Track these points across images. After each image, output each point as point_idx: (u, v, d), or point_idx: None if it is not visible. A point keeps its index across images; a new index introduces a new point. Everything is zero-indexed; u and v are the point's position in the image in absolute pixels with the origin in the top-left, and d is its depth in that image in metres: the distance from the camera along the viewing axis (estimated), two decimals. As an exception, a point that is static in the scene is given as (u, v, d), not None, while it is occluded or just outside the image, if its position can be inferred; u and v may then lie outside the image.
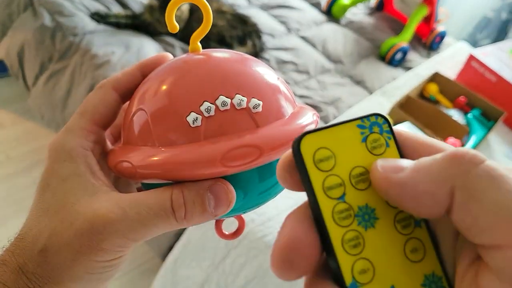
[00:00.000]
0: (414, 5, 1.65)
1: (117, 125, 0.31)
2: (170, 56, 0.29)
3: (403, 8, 1.75)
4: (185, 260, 1.01)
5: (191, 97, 0.24)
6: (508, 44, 1.52)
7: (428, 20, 1.66)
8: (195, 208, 0.23)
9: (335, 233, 0.18)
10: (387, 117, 0.20)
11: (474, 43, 2.24)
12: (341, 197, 0.18)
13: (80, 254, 0.23)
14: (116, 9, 1.45)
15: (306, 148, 0.19)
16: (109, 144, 0.29)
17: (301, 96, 1.35)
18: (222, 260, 0.96)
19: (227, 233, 0.31)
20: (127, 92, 0.29)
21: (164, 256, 1.07)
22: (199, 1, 0.27)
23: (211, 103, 0.24)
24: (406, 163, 0.18)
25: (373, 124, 0.20)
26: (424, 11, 1.61)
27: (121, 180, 0.31)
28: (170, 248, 1.05)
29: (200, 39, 0.28)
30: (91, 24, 1.35)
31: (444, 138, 1.15)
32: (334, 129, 0.19)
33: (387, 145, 0.20)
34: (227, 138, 0.23)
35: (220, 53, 0.28)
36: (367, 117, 0.20)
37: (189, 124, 0.24)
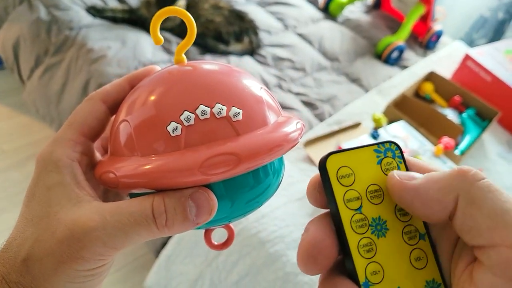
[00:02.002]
0: (411, 4, 1.65)
1: (107, 137, 0.31)
2: (157, 68, 0.30)
3: (400, 6, 1.75)
4: (178, 256, 1.01)
5: (172, 107, 0.25)
6: (503, 44, 1.52)
7: (425, 19, 1.67)
8: (176, 215, 0.24)
9: (352, 239, 0.21)
10: (399, 144, 0.24)
11: (470, 43, 2.25)
12: (358, 209, 0.22)
13: (61, 262, 0.23)
14: (113, 3, 1.45)
15: (331, 166, 0.22)
16: (98, 156, 0.30)
17: (297, 94, 1.35)
18: (215, 257, 0.96)
19: (216, 243, 0.31)
20: (115, 104, 0.29)
21: (157, 252, 1.07)
22: (183, 15, 0.27)
23: (190, 112, 0.24)
24: (417, 174, 0.22)
25: (387, 149, 0.24)
26: (421, 10, 1.61)
27: (111, 191, 0.31)
28: (164, 244, 1.05)
29: (184, 52, 0.28)
30: (87, 18, 1.34)
31: (438, 137, 1.15)
32: (354, 151, 0.23)
33: (398, 168, 0.24)
34: (207, 147, 0.24)
35: (205, 64, 0.28)
36: (382, 143, 0.24)
37: (169, 134, 0.24)
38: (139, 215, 0.23)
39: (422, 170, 0.23)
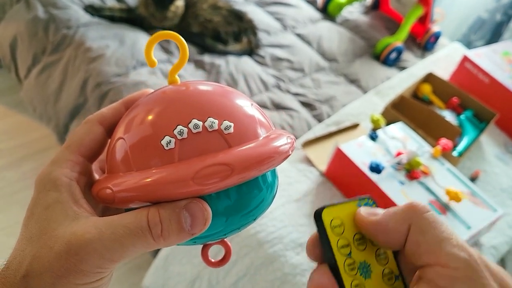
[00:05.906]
0: (409, 5, 1.65)
1: (105, 159, 0.32)
2: (150, 90, 0.31)
3: (398, 7, 1.75)
4: (176, 257, 1.01)
5: (166, 122, 0.26)
6: (501, 46, 1.53)
7: (423, 20, 1.67)
8: (171, 226, 0.24)
9: (347, 280, 0.25)
10: (374, 199, 0.29)
11: (468, 44, 2.25)
12: (349, 254, 0.26)
13: (60, 277, 0.23)
14: (111, 2, 1.44)
15: (326, 217, 0.26)
16: (96, 176, 0.30)
17: (295, 94, 1.35)
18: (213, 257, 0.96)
19: (213, 260, 0.32)
20: (112, 126, 0.30)
21: (154, 253, 1.07)
22: (176, 39, 0.28)
23: (184, 126, 0.25)
24: (379, 210, 0.27)
25: (366, 204, 0.28)
26: (420, 11, 1.61)
27: (109, 210, 0.31)
28: (162, 244, 1.05)
29: (177, 73, 0.29)
30: (85, 17, 1.34)
31: (436, 139, 1.15)
32: (343, 205, 0.28)
33: None
34: (200, 158, 0.24)
35: (198, 84, 0.29)
36: (362, 198, 0.28)
37: (164, 147, 0.25)
38: (135, 226, 0.24)
39: None
